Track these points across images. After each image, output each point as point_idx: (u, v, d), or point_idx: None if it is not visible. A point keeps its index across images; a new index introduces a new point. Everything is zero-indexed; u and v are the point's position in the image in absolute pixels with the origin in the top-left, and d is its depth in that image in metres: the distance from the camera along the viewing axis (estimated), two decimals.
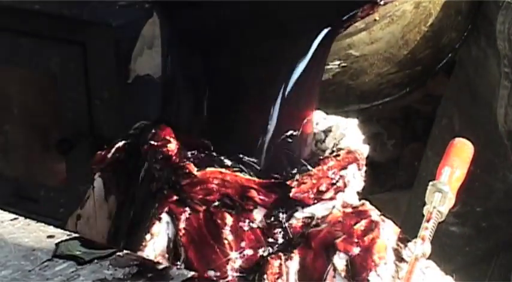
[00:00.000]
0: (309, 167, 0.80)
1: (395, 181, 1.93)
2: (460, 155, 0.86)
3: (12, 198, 1.81)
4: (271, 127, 0.81)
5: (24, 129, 1.85)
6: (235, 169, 0.80)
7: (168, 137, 0.83)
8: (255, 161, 0.81)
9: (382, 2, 0.78)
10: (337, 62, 1.07)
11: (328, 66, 1.06)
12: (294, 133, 0.82)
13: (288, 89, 0.80)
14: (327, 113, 0.87)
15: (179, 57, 0.83)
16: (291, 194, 0.78)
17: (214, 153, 0.81)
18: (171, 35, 0.83)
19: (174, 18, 0.82)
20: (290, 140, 0.82)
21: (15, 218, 0.83)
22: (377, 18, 0.77)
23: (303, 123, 0.83)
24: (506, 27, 1.14)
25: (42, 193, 1.80)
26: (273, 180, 0.79)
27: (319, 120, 0.89)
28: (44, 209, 1.74)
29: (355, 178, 0.83)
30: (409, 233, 0.82)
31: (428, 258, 0.80)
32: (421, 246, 0.79)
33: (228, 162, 0.81)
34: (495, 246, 1.38)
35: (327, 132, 0.88)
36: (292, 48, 0.80)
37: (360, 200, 0.84)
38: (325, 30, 0.79)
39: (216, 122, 0.83)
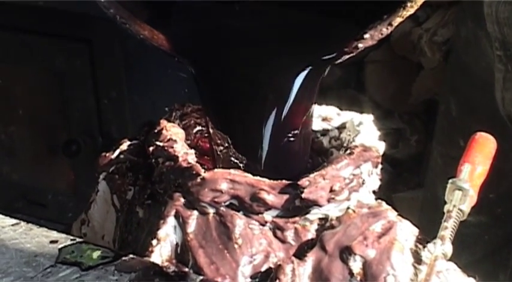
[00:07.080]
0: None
1: (420, 179, 1.86)
2: (482, 151, 0.83)
3: (19, 203, 1.79)
4: (273, 131, 0.79)
5: (30, 130, 1.83)
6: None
7: (174, 138, 0.81)
8: (260, 161, 0.80)
9: (361, 45, 0.74)
10: None
11: None
12: (295, 132, 0.80)
13: (290, 93, 0.78)
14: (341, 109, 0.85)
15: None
16: (303, 195, 0.75)
17: (233, 149, 0.80)
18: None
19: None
20: (292, 139, 0.80)
21: (16, 223, 0.82)
22: None
23: (302, 121, 0.80)
24: (494, 10, 1.11)
25: (49, 197, 1.79)
26: (284, 181, 0.77)
27: (333, 116, 0.87)
28: (52, 214, 1.73)
29: (371, 177, 0.80)
30: (426, 226, 0.79)
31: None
32: (440, 246, 0.76)
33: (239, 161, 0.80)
34: None
35: (341, 128, 0.86)
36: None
37: (376, 199, 0.81)
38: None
39: (221, 122, 0.81)
